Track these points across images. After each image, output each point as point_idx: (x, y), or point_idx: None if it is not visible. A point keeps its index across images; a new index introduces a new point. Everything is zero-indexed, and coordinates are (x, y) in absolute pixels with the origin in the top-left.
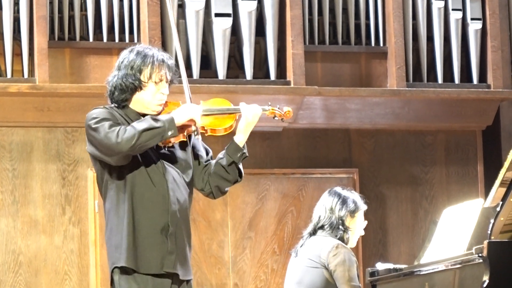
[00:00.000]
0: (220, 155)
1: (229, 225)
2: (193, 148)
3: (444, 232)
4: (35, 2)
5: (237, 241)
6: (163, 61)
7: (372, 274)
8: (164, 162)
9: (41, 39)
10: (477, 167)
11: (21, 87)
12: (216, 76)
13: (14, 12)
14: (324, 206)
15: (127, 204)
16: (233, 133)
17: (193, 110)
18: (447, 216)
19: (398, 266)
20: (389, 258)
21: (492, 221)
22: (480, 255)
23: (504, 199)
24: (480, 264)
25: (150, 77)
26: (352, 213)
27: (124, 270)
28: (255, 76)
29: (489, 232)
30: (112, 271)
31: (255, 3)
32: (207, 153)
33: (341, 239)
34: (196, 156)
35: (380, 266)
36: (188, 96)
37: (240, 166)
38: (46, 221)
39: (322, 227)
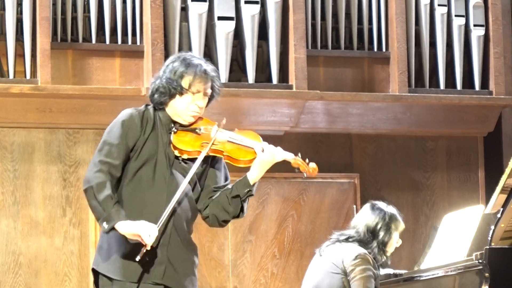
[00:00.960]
0: (229, 185)
1: (229, 228)
2: (213, 168)
3: (444, 238)
4: (38, 3)
5: (238, 244)
6: (205, 72)
7: None
8: (174, 173)
9: (43, 40)
10: (478, 173)
11: (23, 88)
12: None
13: (17, 13)
14: (366, 225)
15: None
16: None
17: (142, 230)
18: (448, 222)
19: (398, 271)
20: (389, 263)
21: (492, 227)
22: (480, 261)
23: (505, 205)
24: (480, 270)
25: (190, 86)
26: (391, 235)
27: (106, 276)
28: (257, 79)
29: (489, 238)
30: (94, 273)
31: (258, 7)
32: (225, 180)
33: (377, 260)
34: (211, 176)
35: (381, 271)
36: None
37: (245, 204)
38: (46, 222)
39: (360, 242)
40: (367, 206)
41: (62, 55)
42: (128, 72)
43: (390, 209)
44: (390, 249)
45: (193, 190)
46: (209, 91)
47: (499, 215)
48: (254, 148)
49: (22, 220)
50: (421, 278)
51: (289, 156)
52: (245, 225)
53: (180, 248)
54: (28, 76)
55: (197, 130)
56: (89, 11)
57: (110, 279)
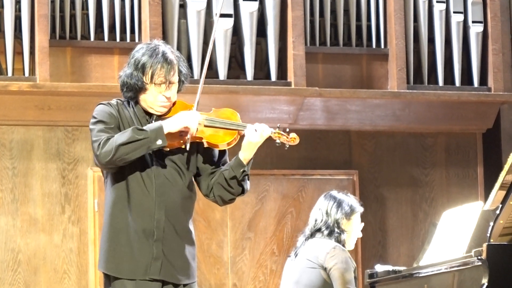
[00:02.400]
0: (226, 166)
1: (228, 225)
2: (204, 151)
3: (443, 234)
4: (37, 0)
5: (237, 241)
6: (166, 61)
7: (371, 275)
8: (160, 165)
9: (42, 38)
10: (477, 170)
11: (22, 86)
12: (217, 77)
13: (15, 11)
14: (320, 210)
15: (115, 207)
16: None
17: (188, 119)
18: (447, 219)
19: (397, 268)
20: (388, 259)
21: (491, 224)
22: (479, 258)
23: (503, 202)
24: (479, 267)
25: (152, 78)
26: (348, 215)
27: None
28: (256, 76)
29: (488, 235)
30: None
31: (256, 4)
32: (221, 157)
33: (338, 241)
34: (205, 160)
35: (379, 267)
36: (197, 101)
37: (245, 183)
38: (45, 219)
39: (318, 230)
40: (321, 197)
41: (60, 53)
42: None
43: (343, 195)
44: (350, 229)
45: (182, 177)
46: (174, 78)
47: (498, 212)
48: (239, 129)
49: (21, 218)
50: (420, 275)
51: (272, 130)
52: (244, 222)
53: (175, 241)
54: (26, 74)
55: None
56: (87, 9)
57: (108, 276)
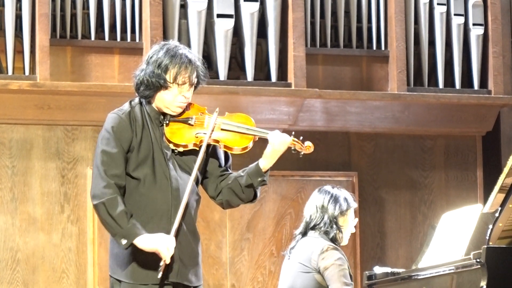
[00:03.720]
0: (241, 172)
1: (227, 226)
2: (212, 154)
3: (442, 237)
4: (37, 0)
5: (235, 242)
6: (190, 63)
7: (370, 277)
8: (174, 167)
9: (42, 37)
10: (476, 173)
11: (22, 85)
12: (217, 77)
13: (16, 10)
14: (316, 205)
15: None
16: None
17: (162, 244)
18: (446, 221)
19: (396, 270)
20: (387, 261)
21: (490, 226)
22: (478, 260)
23: (503, 205)
24: (478, 269)
25: (175, 78)
26: (344, 211)
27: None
28: (256, 77)
29: (487, 237)
30: (111, 278)
31: (257, 5)
32: (227, 161)
33: (334, 238)
34: (213, 162)
35: (378, 269)
36: (178, 223)
37: (258, 190)
38: (44, 218)
39: (314, 227)
40: (314, 191)
41: (61, 52)
42: (127, 69)
43: (338, 190)
44: (345, 225)
45: (196, 181)
46: (194, 80)
47: (497, 214)
48: (262, 136)
49: (20, 217)
50: (419, 277)
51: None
52: (243, 223)
53: (188, 242)
54: (27, 73)
55: (189, 121)
56: (88, 8)
57: (120, 281)
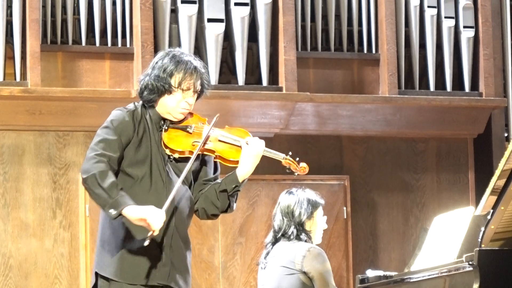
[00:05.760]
0: (218, 180)
1: (219, 230)
2: (203, 163)
3: (434, 239)
4: (28, 5)
5: (228, 246)
6: (195, 69)
7: (362, 281)
8: (171, 173)
9: (33, 43)
10: (468, 175)
11: (13, 90)
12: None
13: (6, 15)
14: (282, 214)
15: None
16: None
17: (149, 214)
18: (438, 224)
19: (388, 273)
20: (379, 265)
21: (482, 229)
22: (470, 263)
23: (495, 207)
24: (470, 272)
25: (180, 83)
26: (310, 215)
27: (108, 278)
28: (247, 81)
29: (479, 240)
30: (96, 275)
31: (248, 9)
32: (215, 171)
33: (307, 241)
34: (202, 171)
35: (370, 273)
36: (170, 199)
37: (233, 200)
38: (36, 224)
39: (283, 235)
40: (280, 196)
41: (52, 58)
42: (118, 74)
43: (301, 192)
44: (314, 228)
45: (189, 187)
46: (198, 87)
47: (489, 217)
48: (241, 143)
49: (12, 223)
50: (411, 280)
51: (279, 156)
52: (235, 227)
53: (180, 247)
54: (18, 79)
55: (188, 129)
56: (79, 13)
57: (108, 280)
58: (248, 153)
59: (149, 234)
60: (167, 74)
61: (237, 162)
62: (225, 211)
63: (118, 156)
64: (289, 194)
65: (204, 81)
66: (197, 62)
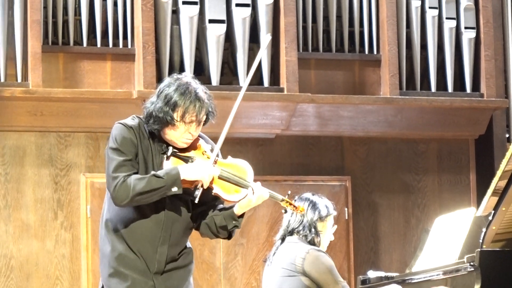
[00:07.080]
0: (217, 211)
1: None
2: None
3: (436, 240)
4: (29, 6)
5: (229, 247)
6: (200, 101)
7: (364, 282)
8: (173, 199)
9: (35, 44)
10: (469, 176)
11: (15, 91)
12: (210, 82)
13: (8, 16)
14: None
15: (121, 231)
16: None
17: (205, 172)
18: (439, 225)
19: (389, 274)
20: (380, 266)
21: (484, 230)
22: (471, 264)
23: (496, 208)
24: (471, 273)
25: (183, 117)
26: (323, 217)
27: None
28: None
29: (481, 241)
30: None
31: (249, 10)
32: (217, 199)
33: (312, 242)
34: (204, 196)
35: (372, 274)
36: (216, 153)
37: (233, 232)
38: (38, 225)
39: (292, 232)
40: (295, 198)
41: (53, 58)
42: (119, 75)
43: (318, 197)
44: (324, 230)
45: (189, 209)
46: (203, 118)
47: (490, 218)
48: (244, 188)
49: (13, 224)
50: (413, 281)
51: (278, 197)
52: None
53: (175, 272)
54: (19, 80)
55: (189, 161)
56: (80, 14)
57: None
58: (252, 201)
59: (199, 187)
60: (170, 107)
61: (232, 202)
62: (226, 238)
63: (136, 169)
64: (305, 197)
65: (209, 110)
66: (202, 92)
